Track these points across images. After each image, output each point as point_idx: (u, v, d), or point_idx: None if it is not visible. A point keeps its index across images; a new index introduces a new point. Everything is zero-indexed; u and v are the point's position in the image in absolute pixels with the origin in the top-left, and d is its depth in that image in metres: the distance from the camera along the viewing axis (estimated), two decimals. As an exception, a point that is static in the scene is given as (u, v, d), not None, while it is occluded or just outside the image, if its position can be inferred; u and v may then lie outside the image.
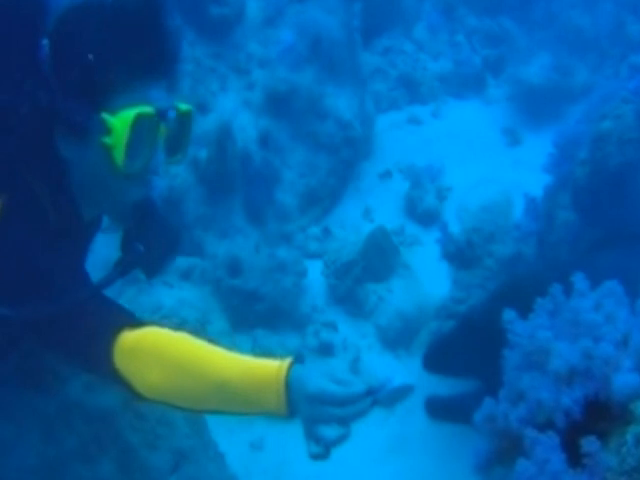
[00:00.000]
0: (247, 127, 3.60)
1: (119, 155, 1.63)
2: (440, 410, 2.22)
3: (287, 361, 1.56)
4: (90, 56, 1.63)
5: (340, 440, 1.56)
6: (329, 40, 3.78)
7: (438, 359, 2.11)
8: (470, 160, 3.95)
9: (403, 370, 3.17)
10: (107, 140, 1.63)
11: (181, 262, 3.38)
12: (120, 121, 1.62)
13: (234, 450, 2.63)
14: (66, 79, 1.64)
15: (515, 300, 1.63)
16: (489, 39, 4.44)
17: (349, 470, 2.70)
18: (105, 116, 1.63)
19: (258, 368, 1.56)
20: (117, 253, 3.04)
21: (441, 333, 2.12)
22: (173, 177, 3.43)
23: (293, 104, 3.73)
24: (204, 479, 2.54)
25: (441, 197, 3.82)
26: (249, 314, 3.30)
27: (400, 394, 1.57)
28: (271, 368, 1.55)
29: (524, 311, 1.58)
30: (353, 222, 3.76)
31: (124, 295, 3.31)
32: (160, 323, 1.70)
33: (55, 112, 1.65)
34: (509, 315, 1.42)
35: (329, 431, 1.57)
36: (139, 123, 1.63)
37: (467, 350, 1.98)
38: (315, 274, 3.48)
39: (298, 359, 1.57)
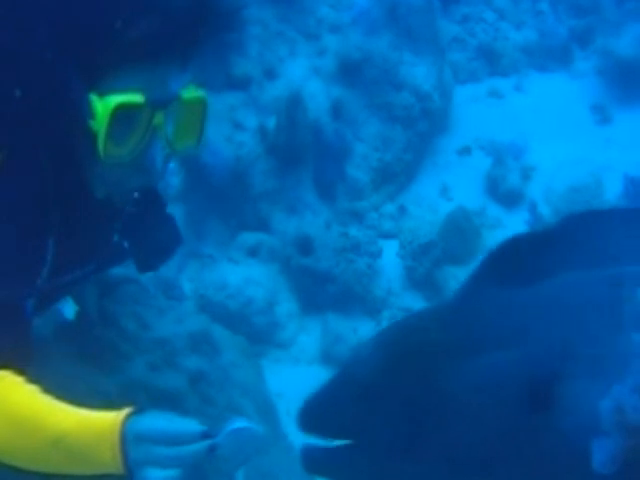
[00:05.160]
0: (318, 96, 3.38)
1: (100, 142, 1.49)
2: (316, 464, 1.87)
3: (124, 411, 1.41)
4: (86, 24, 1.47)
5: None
6: (406, 5, 3.54)
7: (315, 417, 1.78)
8: (556, 138, 3.70)
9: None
10: (92, 124, 1.49)
11: (247, 237, 3.18)
12: (103, 107, 1.47)
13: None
14: (63, 50, 1.49)
15: (404, 348, 1.56)
16: (575, 9, 4.17)
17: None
18: (93, 97, 1.48)
19: (94, 420, 1.42)
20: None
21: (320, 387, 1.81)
22: (239, 146, 3.21)
23: (367, 73, 3.49)
24: (275, 472, 2.36)
25: (525, 177, 3.56)
26: (320, 296, 3.09)
27: (245, 441, 1.40)
28: (107, 419, 1.41)
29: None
30: (430, 200, 3.53)
31: (186, 270, 3.11)
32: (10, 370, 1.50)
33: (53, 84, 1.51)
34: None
35: (158, 473, 1.38)
36: (122, 112, 1.48)
37: (348, 408, 1.67)
38: (390, 255, 3.25)
39: (138, 410, 1.42)
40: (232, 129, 3.25)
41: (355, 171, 3.42)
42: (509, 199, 3.53)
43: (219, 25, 1.59)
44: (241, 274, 3.04)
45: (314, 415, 1.73)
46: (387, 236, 3.35)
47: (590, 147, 3.67)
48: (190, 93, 1.59)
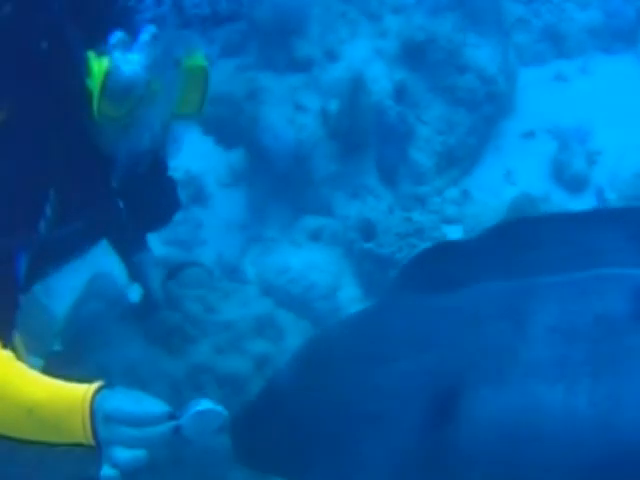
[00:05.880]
0: (381, 79, 3.32)
1: (95, 101, 1.51)
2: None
3: (95, 385, 1.46)
4: None
5: (135, 463, 1.42)
6: (471, -15, 3.47)
7: (245, 436, 1.82)
8: (622, 122, 3.57)
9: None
10: (88, 82, 1.51)
11: (309, 221, 3.15)
12: (98, 66, 1.48)
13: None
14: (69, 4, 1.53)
15: (322, 361, 1.58)
16: (644, -12, 4.06)
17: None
18: (91, 56, 1.49)
19: (66, 392, 1.46)
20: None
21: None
22: (300, 129, 3.17)
23: (430, 54, 3.42)
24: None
25: (590, 161, 3.47)
26: (383, 281, 3.03)
27: (209, 421, 1.44)
28: (78, 392, 1.45)
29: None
30: (493, 185, 3.45)
31: (248, 254, 3.10)
32: None
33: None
34: None
35: (124, 453, 1.43)
36: (117, 75, 1.49)
37: (275, 425, 1.73)
38: (453, 241, 3.20)
39: (108, 385, 1.47)
40: (294, 111, 3.22)
41: (418, 155, 3.36)
42: (574, 184, 3.44)
43: None
44: (303, 258, 3.02)
45: (243, 432, 1.78)
46: (450, 221, 3.29)
47: (657, 131, 3.57)
48: (191, 61, 1.59)
